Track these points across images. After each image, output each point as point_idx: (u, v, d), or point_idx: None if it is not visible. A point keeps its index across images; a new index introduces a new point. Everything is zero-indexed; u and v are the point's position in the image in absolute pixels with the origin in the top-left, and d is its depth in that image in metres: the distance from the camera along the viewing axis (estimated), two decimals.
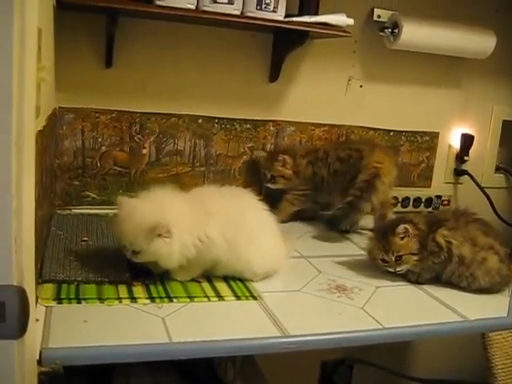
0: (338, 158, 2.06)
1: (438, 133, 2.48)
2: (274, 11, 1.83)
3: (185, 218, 1.39)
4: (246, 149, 2.17)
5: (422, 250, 1.57)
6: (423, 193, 2.45)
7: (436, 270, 1.57)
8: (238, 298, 1.40)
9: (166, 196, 1.44)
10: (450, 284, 1.58)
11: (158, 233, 1.33)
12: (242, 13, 1.82)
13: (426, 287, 1.57)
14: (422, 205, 2.42)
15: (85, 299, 1.30)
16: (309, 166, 2.10)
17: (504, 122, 2.59)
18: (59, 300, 1.28)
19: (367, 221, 2.02)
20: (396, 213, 2.11)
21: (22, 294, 0.91)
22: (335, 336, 1.28)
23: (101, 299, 1.30)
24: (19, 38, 0.82)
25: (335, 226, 1.98)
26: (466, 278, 1.55)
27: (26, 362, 0.95)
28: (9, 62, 0.80)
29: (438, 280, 1.59)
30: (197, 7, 1.76)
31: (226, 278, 1.49)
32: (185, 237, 1.38)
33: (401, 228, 1.57)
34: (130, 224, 1.35)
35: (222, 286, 1.44)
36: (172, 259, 1.37)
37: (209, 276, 1.48)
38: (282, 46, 2.07)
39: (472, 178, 2.52)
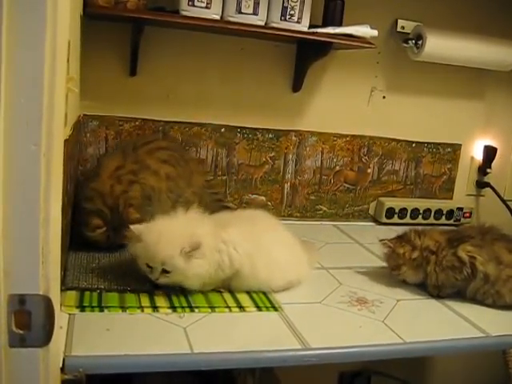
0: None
1: (461, 145, 2.47)
2: (298, 22, 1.84)
3: (210, 238, 1.41)
4: (268, 158, 2.18)
5: (400, 265, 1.61)
6: (445, 205, 2.43)
7: (458, 286, 1.56)
8: (259, 308, 1.40)
9: (191, 218, 1.46)
10: (474, 300, 1.56)
11: (193, 252, 1.35)
12: (266, 23, 1.83)
13: (448, 302, 1.56)
14: (444, 217, 2.40)
15: (107, 307, 1.31)
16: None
17: None
18: (82, 308, 1.29)
19: None
20: (416, 224, 2.11)
21: (47, 303, 0.92)
22: (356, 350, 1.28)
23: (123, 308, 1.31)
24: (51, 52, 0.83)
25: None
26: (491, 295, 1.53)
27: (50, 370, 0.96)
28: (40, 75, 0.81)
29: (461, 296, 1.58)
30: (221, 17, 1.78)
31: None
32: (213, 256, 1.40)
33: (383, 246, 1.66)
34: (161, 246, 1.35)
35: (243, 297, 1.44)
36: (200, 281, 1.40)
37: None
38: (306, 56, 2.08)
39: (494, 190, 2.50)
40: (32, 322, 0.90)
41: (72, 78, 1.16)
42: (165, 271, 1.36)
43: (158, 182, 1.74)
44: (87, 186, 1.67)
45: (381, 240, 1.67)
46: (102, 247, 1.63)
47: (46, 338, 0.93)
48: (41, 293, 0.90)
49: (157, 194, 1.72)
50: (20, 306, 0.89)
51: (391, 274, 1.65)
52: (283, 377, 1.94)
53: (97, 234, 1.60)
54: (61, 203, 0.99)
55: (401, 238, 1.65)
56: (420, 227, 1.70)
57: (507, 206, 2.48)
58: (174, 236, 1.37)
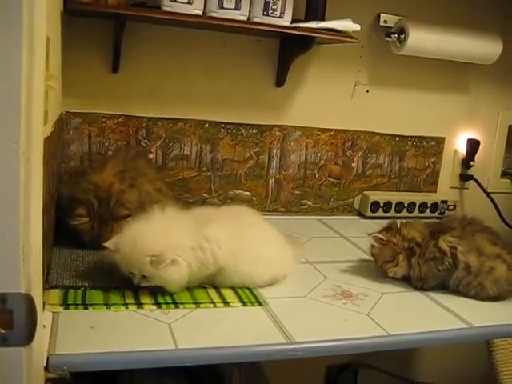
0: None
1: (444, 138, 2.48)
2: (280, 17, 1.84)
3: (188, 238, 1.40)
4: (252, 154, 2.18)
5: (397, 256, 1.59)
6: (429, 198, 2.44)
7: (441, 277, 1.58)
8: (243, 303, 1.40)
9: (168, 217, 1.45)
10: (457, 292, 1.58)
11: (165, 262, 1.32)
12: (248, 18, 1.83)
13: (432, 294, 1.57)
14: (428, 210, 2.42)
15: (91, 305, 1.30)
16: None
17: (510, 127, 2.59)
18: (66, 306, 1.29)
19: None
20: (400, 217, 2.11)
21: (29, 301, 0.91)
22: (340, 343, 1.28)
23: (107, 305, 1.31)
24: (28, 49, 0.82)
25: None
26: (474, 287, 1.55)
27: (34, 369, 0.96)
28: (18, 73, 0.81)
29: (445, 288, 1.59)
30: (204, 13, 1.77)
31: None
32: (190, 257, 1.38)
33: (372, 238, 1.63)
34: (136, 253, 1.33)
35: (227, 292, 1.45)
36: (180, 285, 1.39)
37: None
38: (289, 51, 2.08)
39: (478, 183, 2.52)
40: (14, 321, 0.90)
41: (52, 75, 1.15)
42: (145, 276, 1.35)
43: (153, 191, 1.79)
44: (86, 179, 1.69)
45: (370, 234, 1.66)
46: (86, 240, 1.62)
47: (29, 336, 0.92)
48: (22, 291, 0.90)
49: (151, 200, 1.72)
50: (1, 304, 0.88)
51: (383, 268, 1.63)
52: (270, 372, 1.94)
53: (80, 224, 1.61)
54: (42, 201, 0.98)
55: (389, 229, 1.65)
56: (404, 220, 1.70)
57: (491, 199, 2.50)
58: (147, 243, 1.34)
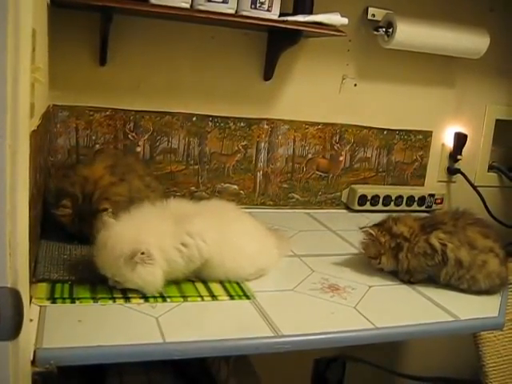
0: None
1: (432, 131, 2.49)
2: (268, 10, 1.83)
3: (166, 233, 1.37)
4: (240, 147, 2.18)
5: (380, 255, 1.60)
6: (416, 191, 2.45)
7: (429, 272, 1.58)
8: (231, 297, 1.40)
9: (143, 215, 1.42)
10: (448, 286, 1.58)
11: (138, 259, 1.29)
12: (236, 12, 1.82)
13: (420, 288, 1.58)
14: (415, 203, 2.43)
15: (78, 299, 1.30)
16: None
17: (497, 120, 2.60)
18: (53, 299, 1.28)
19: None
20: (389, 211, 2.12)
21: (16, 295, 0.90)
22: (327, 336, 1.29)
23: (94, 298, 1.31)
24: (13, 42, 0.81)
25: None
26: (466, 280, 1.56)
27: (20, 363, 0.95)
28: (3, 65, 0.80)
29: (435, 282, 1.60)
30: (191, 6, 1.76)
31: None
32: (169, 253, 1.36)
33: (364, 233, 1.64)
34: (107, 255, 1.31)
35: (215, 286, 1.45)
36: (157, 284, 1.34)
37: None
38: (277, 44, 2.07)
39: (465, 176, 2.53)
40: (0, 315, 0.89)
41: (38, 67, 1.14)
42: (117, 282, 1.34)
43: (143, 187, 1.78)
44: (76, 172, 1.68)
45: (362, 227, 1.66)
46: (71, 232, 1.62)
47: (15, 330, 0.92)
48: (8, 285, 0.89)
49: (140, 197, 1.71)
50: None
51: (369, 262, 1.64)
52: (258, 365, 1.94)
53: (63, 214, 1.60)
54: (29, 194, 0.97)
55: (381, 226, 1.65)
56: (397, 214, 1.71)
57: (478, 192, 2.52)
58: (117, 245, 1.30)
